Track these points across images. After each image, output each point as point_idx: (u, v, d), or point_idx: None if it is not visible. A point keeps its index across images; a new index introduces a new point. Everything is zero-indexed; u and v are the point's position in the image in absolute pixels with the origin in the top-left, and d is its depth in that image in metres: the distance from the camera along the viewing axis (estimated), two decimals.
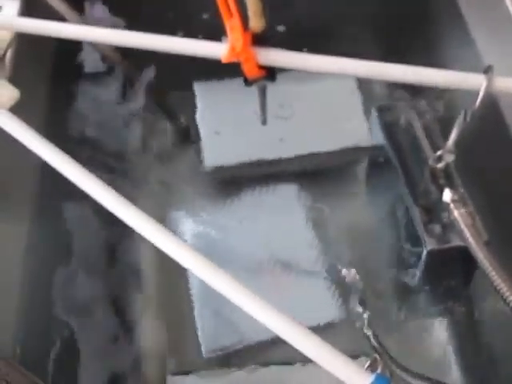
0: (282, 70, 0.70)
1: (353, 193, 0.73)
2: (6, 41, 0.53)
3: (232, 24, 0.37)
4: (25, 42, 0.54)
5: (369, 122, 0.69)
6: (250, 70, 0.41)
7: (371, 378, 0.28)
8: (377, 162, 0.69)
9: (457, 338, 0.63)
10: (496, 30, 0.54)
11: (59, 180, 0.50)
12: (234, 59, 0.38)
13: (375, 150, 0.67)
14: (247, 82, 0.43)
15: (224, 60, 0.38)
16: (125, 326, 0.63)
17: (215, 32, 0.42)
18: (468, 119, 0.41)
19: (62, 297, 0.54)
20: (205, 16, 0.66)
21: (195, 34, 0.44)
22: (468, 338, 0.62)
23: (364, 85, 0.73)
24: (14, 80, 0.51)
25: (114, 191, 0.38)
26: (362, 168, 0.73)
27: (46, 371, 0.48)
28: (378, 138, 0.65)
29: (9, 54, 0.53)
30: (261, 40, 0.40)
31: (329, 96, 0.73)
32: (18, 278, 0.48)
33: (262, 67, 0.41)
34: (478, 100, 0.38)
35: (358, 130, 0.71)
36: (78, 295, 0.58)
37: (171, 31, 0.42)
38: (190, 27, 0.61)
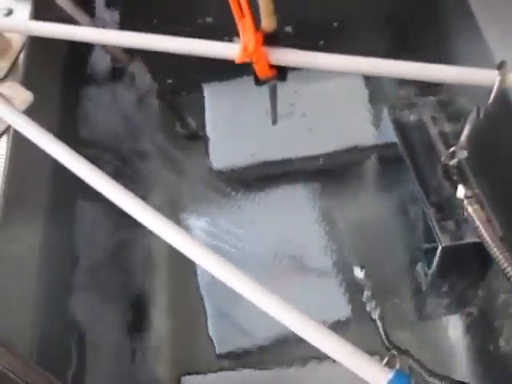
0: (290, 69, 0.70)
1: (363, 191, 0.73)
2: (19, 44, 0.53)
3: (244, 24, 0.37)
4: (37, 45, 0.55)
5: (379, 121, 0.69)
6: (261, 70, 0.41)
7: (391, 374, 0.28)
8: (387, 160, 0.69)
9: (470, 336, 0.63)
10: (507, 29, 0.53)
11: (71, 182, 0.51)
12: (246, 59, 0.38)
13: (385, 147, 0.67)
14: (258, 82, 0.43)
15: (237, 60, 0.38)
16: (137, 327, 0.63)
17: (220, 35, 0.42)
18: (481, 115, 0.41)
19: (77, 298, 0.55)
20: (208, 19, 0.67)
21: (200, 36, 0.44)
22: (482, 337, 0.61)
23: (372, 82, 0.73)
24: (26, 83, 0.52)
25: (127, 190, 0.39)
26: (371, 166, 0.73)
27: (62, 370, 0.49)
28: (389, 135, 0.64)
29: (21, 57, 0.53)
30: (272, 40, 0.40)
31: (336, 95, 0.74)
32: (33, 282, 0.49)
33: (273, 67, 0.41)
34: (492, 96, 0.37)
35: (365, 128, 0.71)
36: (90, 296, 0.58)
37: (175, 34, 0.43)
38: (194, 30, 0.61)
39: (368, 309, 0.64)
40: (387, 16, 0.69)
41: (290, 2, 0.66)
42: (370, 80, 0.73)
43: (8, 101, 0.46)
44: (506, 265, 0.45)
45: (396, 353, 0.53)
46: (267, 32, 0.39)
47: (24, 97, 0.50)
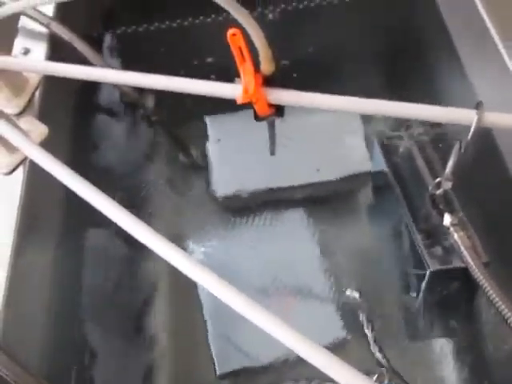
0: None
1: (358, 217, 0.76)
2: (35, 81, 0.57)
3: (245, 68, 0.41)
4: (51, 82, 0.59)
5: (371, 150, 0.73)
6: (261, 109, 0.44)
7: None
8: (380, 188, 0.72)
9: (460, 359, 0.65)
10: (488, 68, 0.57)
11: (82, 210, 0.54)
12: (246, 100, 0.42)
13: (378, 176, 0.71)
14: (258, 118, 0.47)
15: (239, 102, 0.42)
16: (140, 347, 0.66)
17: (220, 74, 0.46)
18: (462, 150, 0.44)
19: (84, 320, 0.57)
20: (209, 59, 0.71)
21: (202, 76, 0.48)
22: (470, 358, 0.64)
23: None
24: (42, 117, 0.56)
25: (134, 216, 0.41)
26: (365, 194, 0.76)
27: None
28: (381, 165, 0.68)
29: (37, 93, 0.57)
30: (270, 81, 0.44)
31: (332, 126, 0.77)
32: (44, 300, 0.52)
33: (271, 105, 0.45)
34: (470, 134, 0.41)
35: (359, 157, 0.75)
36: (96, 318, 0.60)
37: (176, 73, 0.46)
38: (195, 70, 0.65)
39: (363, 330, 0.66)
40: (378, 55, 0.74)
41: (286, 39, 0.71)
42: None
43: (25, 134, 0.49)
44: (489, 290, 0.48)
45: (386, 370, 0.55)
46: (267, 74, 0.43)
47: (40, 130, 0.54)
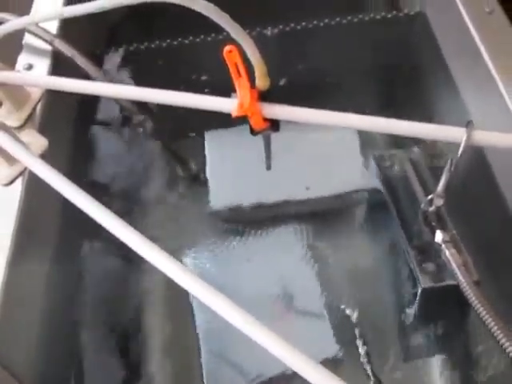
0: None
1: (353, 234, 0.76)
2: (37, 96, 0.59)
3: (240, 83, 0.43)
4: (53, 97, 0.60)
5: (367, 168, 0.73)
6: (256, 123, 0.46)
7: None
8: (375, 206, 0.73)
9: (451, 375, 0.65)
10: (481, 90, 0.59)
11: (78, 223, 0.55)
12: (242, 114, 0.43)
13: (373, 194, 0.72)
14: (253, 132, 0.48)
15: (234, 115, 0.43)
16: (130, 366, 0.65)
17: (219, 90, 0.47)
18: (452, 168, 0.45)
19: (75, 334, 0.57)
20: (203, 77, 0.73)
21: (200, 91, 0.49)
22: (462, 376, 0.64)
23: (364, 131, 0.79)
24: (42, 130, 0.57)
25: (132, 228, 0.42)
26: (361, 211, 0.77)
27: None
28: (376, 182, 0.69)
29: (38, 107, 0.59)
30: (266, 96, 0.45)
31: (329, 143, 0.78)
32: (38, 310, 0.52)
33: (267, 119, 0.46)
34: (460, 151, 0.42)
35: (356, 175, 0.76)
36: (88, 333, 0.60)
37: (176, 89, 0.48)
38: (194, 86, 0.66)
39: (356, 347, 0.66)
40: (374, 76, 0.76)
41: (283, 58, 0.72)
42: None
43: (26, 146, 0.50)
44: (479, 308, 0.48)
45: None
46: (262, 90, 0.45)
47: (40, 143, 0.55)
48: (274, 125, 0.48)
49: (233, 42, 0.42)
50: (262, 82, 0.43)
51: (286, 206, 0.75)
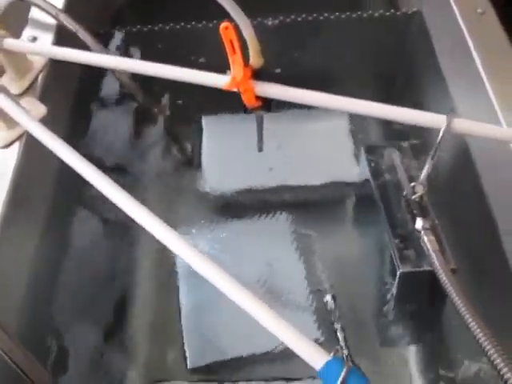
0: (283, 109, 0.78)
1: (341, 224, 0.78)
2: (40, 66, 0.61)
3: (235, 59, 0.44)
4: (55, 68, 0.62)
5: (358, 160, 0.75)
6: (248, 100, 0.47)
7: (329, 357, 0.33)
8: (365, 197, 0.75)
9: (429, 366, 0.66)
10: (469, 87, 0.61)
11: (72, 191, 0.56)
12: (234, 88, 0.45)
13: (364, 185, 0.73)
14: (246, 111, 0.50)
15: (225, 87, 0.45)
16: (114, 329, 0.67)
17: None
18: (435, 157, 0.47)
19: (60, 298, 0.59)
20: (201, 60, 0.75)
21: None
22: (439, 364, 0.65)
23: (357, 125, 0.81)
24: (42, 99, 0.59)
25: (127, 193, 0.44)
26: (352, 202, 0.79)
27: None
28: (366, 174, 0.71)
29: (40, 77, 0.60)
30: (259, 75, 0.47)
31: (323, 135, 0.81)
32: (24, 276, 0.53)
33: (259, 98, 0.48)
34: (439, 137, 0.44)
35: (347, 166, 0.78)
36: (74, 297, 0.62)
37: None
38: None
39: (335, 333, 0.68)
40: (371, 70, 0.78)
41: (281, 49, 0.75)
42: (354, 122, 0.81)
43: (26, 111, 0.52)
44: (453, 295, 0.49)
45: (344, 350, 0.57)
46: (255, 68, 0.47)
47: (39, 110, 0.57)
48: (266, 105, 0.50)
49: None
50: (255, 59, 0.45)
51: (276, 193, 0.77)
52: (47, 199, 0.58)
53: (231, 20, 0.44)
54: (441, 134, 0.44)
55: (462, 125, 0.43)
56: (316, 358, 0.33)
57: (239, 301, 0.37)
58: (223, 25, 0.43)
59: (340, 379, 0.32)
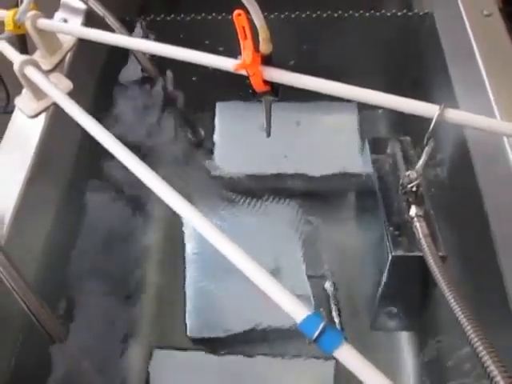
0: (295, 100, 0.81)
1: (344, 214, 0.81)
2: (69, 46, 0.65)
3: (245, 44, 0.48)
4: (82, 48, 0.67)
5: (363, 152, 0.78)
6: (256, 84, 0.51)
7: (309, 313, 0.37)
8: (368, 188, 0.78)
9: (418, 353, 0.69)
10: (472, 87, 0.63)
11: (91, 158, 0.61)
12: (242, 69, 0.48)
13: (367, 177, 0.76)
14: (254, 95, 0.53)
15: (235, 68, 0.49)
16: (122, 294, 0.71)
17: None
18: (425, 142, 0.50)
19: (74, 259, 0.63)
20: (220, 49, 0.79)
21: None
22: (429, 355, 0.68)
23: (365, 119, 0.84)
24: (68, 76, 0.63)
25: (147, 166, 0.47)
26: (354, 192, 0.82)
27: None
28: (370, 166, 0.74)
29: (68, 56, 0.65)
30: (268, 61, 0.51)
31: (333, 127, 0.84)
32: (43, 237, 0.58)
33: (267, 83, 0.52)
34: (431, 125, 0.47)
35: (354, 158, 0.81)
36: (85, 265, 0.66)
37: None
38: None
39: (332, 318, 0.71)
40: (381, 66, 0.81)
41: (295, 41, 0.78)
42: (363, 116, 0.84)
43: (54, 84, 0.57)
44: (440, 281, 0.50)
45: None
46: (264, 54, 0.50)
47: (65, 85, 0.61)
48: (274, 90, 0.53)
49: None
50: (265, 45, 0.49)
51: (283, 180, 0.80)
52: (68, 167, 0.62)
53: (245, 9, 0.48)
54: (433, 123, 0.46)
55: (454, 115, 0.46)
56: (299, 312, 0.37)
57: (232, 258, 0.40)
58: (236, 12, 0.47)
59: (317, 331, 0.35)
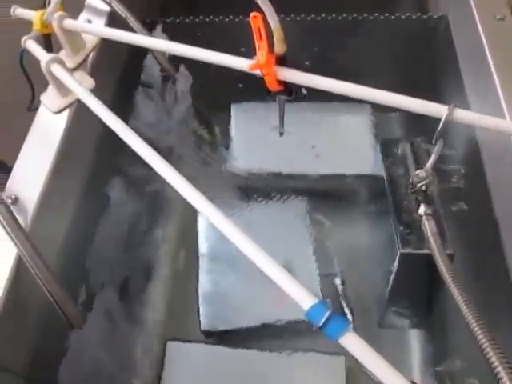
0: (310, 101, 0.83)
1: (355, 214, 0.83)
2: (92, 46, 0.68)
3: (261, 45, 0.50)
4: (105, 49, 0.69)
5: (375, 153, 0.80)
6: (270, 83, 0.53)
7: (316, 301, 0.38)
8: (379, 189, 0.79)
9: (425, 351, 0.70)
10: (483, 89, 0.64)
11: (111, 153, 0.63)
12: (257, 69, 0.50)
13: (378, 177, 0.78)
14: (269, 93, 0.55)
15: (249, 68, 0.51)
16: (135, 293, 0.73)
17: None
18: (434, 141, 0.51)
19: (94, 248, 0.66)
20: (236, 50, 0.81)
21: None
22: (436, 353, 0.69)
23: (379, 121, 0.86)
24: (91, 74, 0.66)
25: (164, 160, 0.49)
26: (366, 193, 0.83)
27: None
28: (381, 167, 0.75)
29: (91, 55, 0.68)
30: (282, 62, 0.53)
31: (345, 128, 0.86)
32: (65, 224, 0.60)
33: (280, 82, 0.53)
34: (440, 125, 0.48)
35: (366, 159, 0.82)
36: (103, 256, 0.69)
37: None
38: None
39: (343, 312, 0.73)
40: (394, 68, 0.82)
41: (311, 43, 0.80)
42: (377, 118, 0.86)
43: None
44: (447, 279, 0.51)
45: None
46: (279, 55, 0.52)
47: (88, 82, 0.64)
48: (288, 90, 0.55)
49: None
50: (279, 46, 0.51)
51: (295, 179, 0.82)
52: (89, 160, 0.65)
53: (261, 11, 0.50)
54: (442, 122, 0.48)
55: (463, 115, 0.47)
56: (306, 300, 0.39)
57: (244, 249, 0.42)
58: (252, 14, 0.49)
59: (323, 319, 0.37)
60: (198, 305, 0.73)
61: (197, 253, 0.76)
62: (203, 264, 0.75)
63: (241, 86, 0.84)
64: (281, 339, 0.73)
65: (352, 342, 0.37)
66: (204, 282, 0.74)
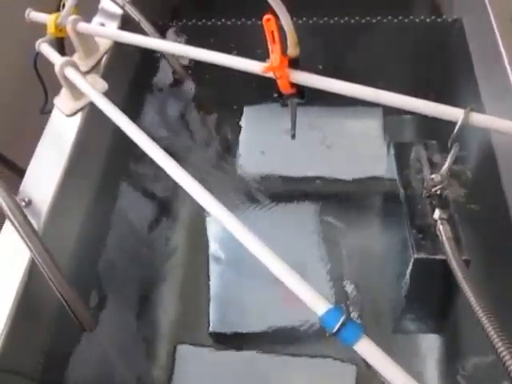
0: (323, 105, 0.82)
1: (368, 217, 0.82)
2: (105, 49, 0.68)
3: (274, 48, 0.50)
4: (117, 51, 0.70)
5: (388, 156, 0.79)
6: (283, 86, 0.53)
7: (330, 307, 0.38)
8: (392, 193, 0.78)
9: (439, 357, 0.69)
10: (498, 92, 0.63)
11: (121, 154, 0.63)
12: (270, 71, 0.50)
13: (391, 181, 0.77)
14: (281, 96, 0.55)
15: (263, 71, 0.50)
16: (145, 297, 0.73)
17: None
18: (449, 144, 0.50)
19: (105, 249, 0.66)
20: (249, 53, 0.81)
21: None
22: (451, 358, 0.68)
23: (390, 125, 0.85)
24: (104, 77, 0.66)
25: (175, 161, 0.49)
26: (379, 197, 0.82)
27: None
28: (394, 170, 0.74)
29: (104, 58, 0.68)
30: (295, 65, 0.52)
31: (357, 132, 0.85)
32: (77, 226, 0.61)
33: (293, 85, 0.53)
34: (456, 128, 0.48)
35: (378, 163, 0.81)
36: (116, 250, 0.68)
37: None
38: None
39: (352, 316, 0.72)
40: (408, 70, 0.82)
41: (324, 46, 0.79)
42: (389, 122, 0.85)
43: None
44: (463, 284, 0.50)
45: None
46: (292, 57, 0.52)
47: (101, 85, 0.64)
48: (300, 93, 0.55)
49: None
50: (292, 49, 0.50)
51: (307, 183, 0.82)
52: (101, 162, 0.65)
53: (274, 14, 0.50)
54: (458, 126, 0.47)
55: (479, 118, 0.47)
56: (320, 305, 0.38)
57: (256, 253, 0.42)
58: (266, 17, 0.49)
59: (338, 324, 0.37)
60: (208, 310, 0.72)
61: (207, 256, 0.76)
62: (213, 268, 0.75)
63: (254, 87, 0.84)
64: (290, 344, 0.72)
65: (367, 349, 0.37)
66: (215, 286, 0.74)
